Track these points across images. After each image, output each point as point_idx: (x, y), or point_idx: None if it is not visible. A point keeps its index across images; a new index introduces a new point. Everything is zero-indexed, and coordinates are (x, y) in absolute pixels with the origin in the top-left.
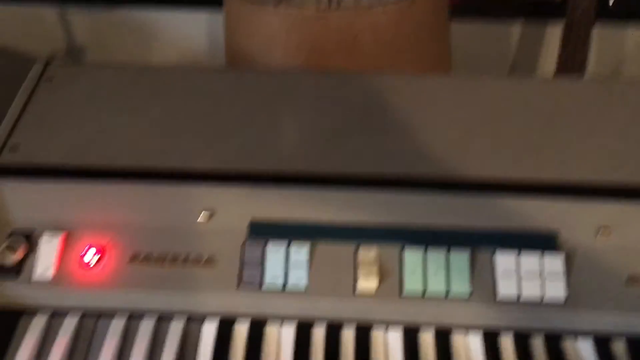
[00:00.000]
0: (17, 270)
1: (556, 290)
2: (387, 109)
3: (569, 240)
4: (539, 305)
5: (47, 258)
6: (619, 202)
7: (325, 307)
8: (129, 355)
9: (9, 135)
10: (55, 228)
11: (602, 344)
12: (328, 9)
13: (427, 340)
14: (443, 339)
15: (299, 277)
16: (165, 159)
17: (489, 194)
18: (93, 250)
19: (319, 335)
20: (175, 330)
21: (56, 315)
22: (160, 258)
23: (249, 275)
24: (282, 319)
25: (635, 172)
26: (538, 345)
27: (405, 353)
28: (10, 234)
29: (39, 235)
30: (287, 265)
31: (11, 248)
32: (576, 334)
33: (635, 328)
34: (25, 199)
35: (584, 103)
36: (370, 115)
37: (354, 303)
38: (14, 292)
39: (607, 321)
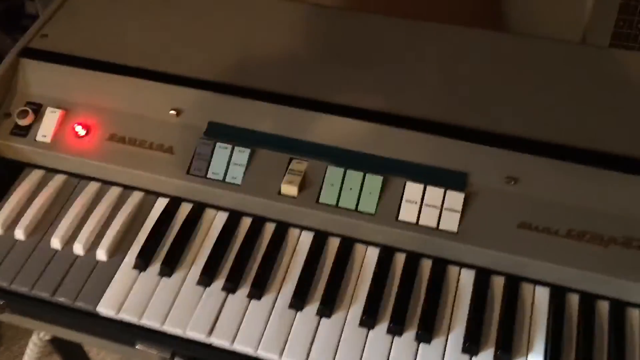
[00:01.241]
0: (26, 132)
1: (450, 223)
2: (360, 47)
3: (477, 183)
4: (433, 233)
5: (48, 127)
6: (531, 155)
7: (254, 203)
8: (92, 211)
9: (43, 25)
10: (57, 106)
11: (483, 276)
12: None
13: (333, 245)
14: (347, 246)
15: (236, 174)
16: (155, 61)
17: (415, 130)
18: (81, 126)
19: (245, 224)
20: (132, 200)
21: (48, 172)
22: (132, 140)
23: (197, 165)
24: (218, 208)
25: (553, 130)
26: (426, 267)
27: (311, 253)
28: (25, 104)
29: (45, 110)
30: (229, 163)
31: (24, 112)
32: (462, 264)
33: (514, 268)
34: (41, 78)
35: (526, 60)
36: (346, 51)
37: (277, 203)
38: (22, 148)
39: (492, 258)
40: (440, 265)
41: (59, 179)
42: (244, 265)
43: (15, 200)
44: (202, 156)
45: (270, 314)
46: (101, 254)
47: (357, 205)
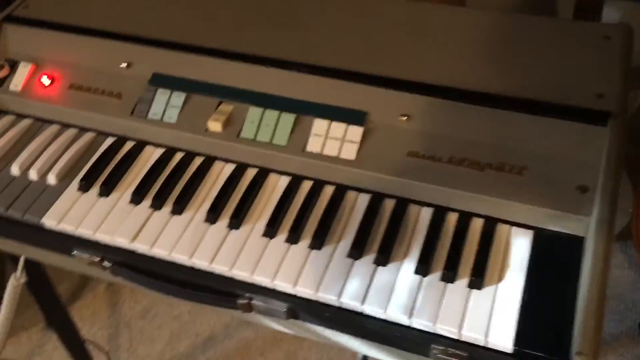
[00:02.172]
0: (1, 83)
1: (350, 152)
2: (280, 8)
3: (375, 120)
4: (335, 161)
5: (19, 78)
6: (421, 95)
7: (185, 139)
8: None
9: None
10: (30, 61)
11: (376, 199)
12: None
13: (249, 174)
14: (261, 174)
15: (172, 114)
16: (114, 23)
17: (323, 76)
18: (46, 76)
19: (177, 157)
20: (84, 138)
21: (18, 117)
22: (88, 88)
23: (139, 108)
24: (156, 145)
25: (440, 74)
26: (328, 191)
27: (229, 179)
28: (3, 61)
29: (19, 64)
30: (167, 105)
31: (1, 66)
32: (359, 189)
33: (403, 191)
34: (20, 39)
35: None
36: (269, 12)
37: (204, 138)
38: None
39: (385, 182)
40: (340, 190)
41: (25, 122)
42: (171, 188)
43: None
44: (144, 100)
45: (188, 225)
46: (51, 178)
47: (271, 138)
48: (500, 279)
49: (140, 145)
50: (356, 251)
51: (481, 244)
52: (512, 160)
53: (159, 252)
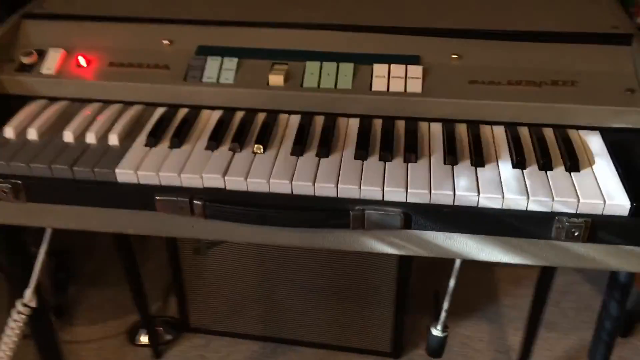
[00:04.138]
0: (31, 68)
1: (415, 87)
2: None
3: (429, 61)
4: (402, 95)
5: (51, 62)
6: (467, 39)
7: (246, 97)
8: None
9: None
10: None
11: (449, 125)
12: None
13: (318, 121)
14: (331, 120)
15: (228, 76)
16: (149, 9)
17: (369, 32)
18: (83, 57)
19: (238, 115)
20: (133, 109)
21: (51, 100)
22: (130, 64)
23: (192, 74)
24: (213, 108)
25: (481, 21)
26: (400, 124)
27: (301, 126)
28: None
29: (48, 51)
30: (220, 69)
31: (29, 53)
32: (430, 119)
33: (472, 114)
34: (42, 31)
35: None
36: None
37: (267, 91)
38: (28, 80)
39: (453, 108)
40: (412, 123)
41: (62, 103)
42: (245, 134)
43: (25, 112)
44: (195, 67)
45: (276, 159)
46: (113, 139)
47: (335, 84)
48: (590, 163)
49: (195, 110)
50: (453, 157)
51: (562, 142)
52: (563, 77)
53: (257, 181)
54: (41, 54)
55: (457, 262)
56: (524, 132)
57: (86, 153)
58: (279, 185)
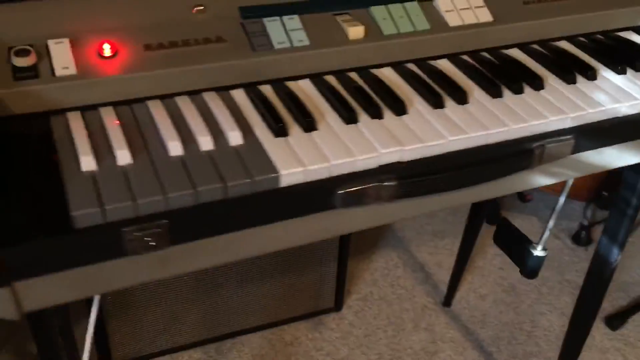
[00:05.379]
0: (34, 72)
1: (485, 16)
2: None
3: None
4: (479, 26)
5: (62, 58)
6: None
7: (329, 57)
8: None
9: None
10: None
11: (525, 48)
12: None
13: (416, 70)
14: (426, 66)
15: (301, 37)
16: None
17: None
18: (108, 44)
19: (331, 80)
20: (210, 98)
21: (86, 111)
22: (173, 43)
23: (258, 42)
24: (295, 78)
25: None
26: (485, 55)
27: (418, 82)
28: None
29: (46, 44)
30: (286, 31)
31: (24, 51)
32: (506, 46)
33: (538, 35)
34: (25, 18)
35: None
36: None
37: (351, 47)
38: (40, 89)
39: (524, 30)
40: (496, 51)
41: (110, 109)
42: (367, 99)
43: (80, 136)
44: (257, 34)
45: (423, 118)
46: (235, 137)
47: (414, 26)
48: None
49: (280, 83)
50: (571, 76)
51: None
52: None
53: (434, 143)
54: (38, 50)
55: None
56: (583, 41)
57: (218, 164)
58: (459, 142)
